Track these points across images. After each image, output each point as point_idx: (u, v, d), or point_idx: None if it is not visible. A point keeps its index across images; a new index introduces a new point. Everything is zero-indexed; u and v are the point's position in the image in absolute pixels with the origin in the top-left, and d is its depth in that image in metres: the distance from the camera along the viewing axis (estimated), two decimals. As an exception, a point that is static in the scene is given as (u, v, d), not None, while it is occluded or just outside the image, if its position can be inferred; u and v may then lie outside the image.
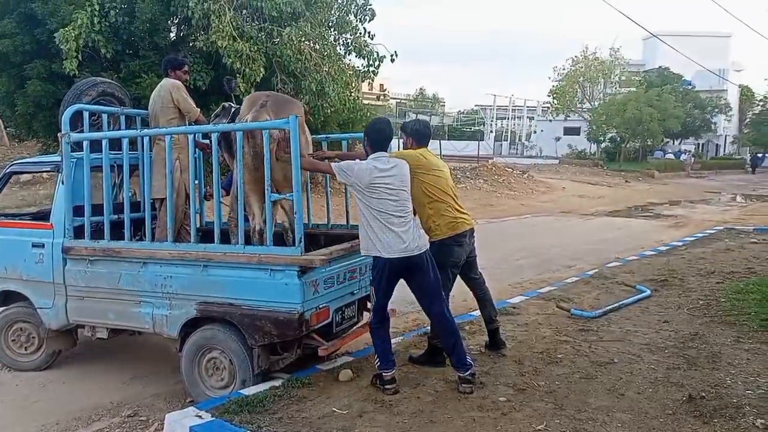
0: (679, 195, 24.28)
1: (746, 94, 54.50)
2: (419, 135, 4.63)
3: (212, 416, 3.82)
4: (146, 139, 4.83)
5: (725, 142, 57.18)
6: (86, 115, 4.98)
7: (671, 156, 42.31)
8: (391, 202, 3.99)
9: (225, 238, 4.56)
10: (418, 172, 4.35)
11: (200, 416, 3.83)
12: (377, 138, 4.17)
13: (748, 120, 55.55)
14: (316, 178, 11.26)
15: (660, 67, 47.59)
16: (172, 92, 4.99)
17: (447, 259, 4.49)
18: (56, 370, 5.21)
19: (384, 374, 4.16)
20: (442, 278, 4.35)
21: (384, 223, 3.97)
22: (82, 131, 4.87)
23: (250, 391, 4.11)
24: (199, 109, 5.08)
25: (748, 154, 49.83)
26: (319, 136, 6.15)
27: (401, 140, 4.77)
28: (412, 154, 4.45)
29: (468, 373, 4.14)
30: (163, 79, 5.22)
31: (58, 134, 4.83)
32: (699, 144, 51.46)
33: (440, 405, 3.95)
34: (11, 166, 5.52)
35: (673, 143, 47.05)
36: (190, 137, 4.45)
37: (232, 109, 4.90)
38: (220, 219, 4.81)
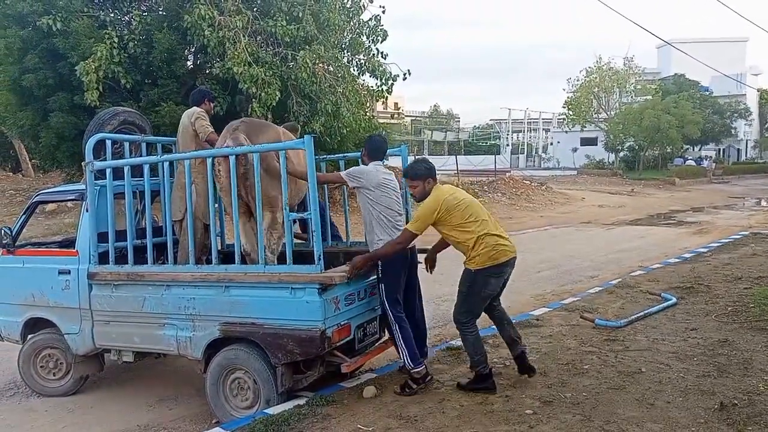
0: (702, 201, 23.90)
1: (765, 98, 53.73)
2: (431, 171, 4.40)
3: (238, 436, 3.84)
4: (167, 165, 4.93)
5: (746, 147, 56.31)
6: (108, 143, 5.09)
7: (692, 162, 41.72)
8: (395, 200, 4.49)
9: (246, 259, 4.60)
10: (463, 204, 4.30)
11: (226, 437, 3.86)
12: (374, 149, 4.68)
13: (768, 123, 54.74)
14: (334, 197, 11.34)
15: (675, 74, 47.22)
16: (191, 117, 5.10)
17: (481, 289, 4.32)
18: (84, 395, 5.27)
19: (415, 372, 4.37)
20: (470, 305, 4.35)
21: (390, 219, 4.42)
22: (104, 159, 4.98)
23: (275, 410, 4.12)
24: (211, 130, 5.05)
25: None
26: (336, 155, 6.21)
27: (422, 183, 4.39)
28: (445, 193, 4.30)
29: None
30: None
31: (82, 163, 4.96)
32: (720, 149, 50.71)
33: (466, 420, 3.92)
34: (37, 195, 5.66)
35: (693, 149, 46.44)
36: (208, 161, 4.52)
37: None
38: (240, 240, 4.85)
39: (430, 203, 4.25)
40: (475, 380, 4.40)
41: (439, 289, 7.71)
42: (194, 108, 5.18)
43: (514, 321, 6.19)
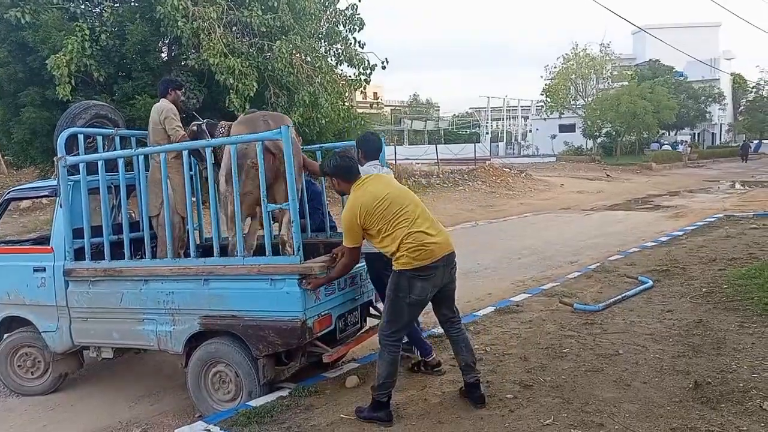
0: (678, 185, 24.29)
1: (739, 82, 54.64)
2: (336, 171, 3.93)
3: (221, 429, 3.84)
4: (141, 159, 4.87)
5: (721, 131, 57.29)
6: (81, 138, 5.01)
7: (668, 147, 42.34)
8: None
9: (225, 252, 4.57)
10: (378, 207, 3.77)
11: (209, 430, 3.86)
12: (369, 149, 4.53)
13: (742, 107, 55.67)
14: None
15: (651, 59, 47.76)
16: (160, 114, 5.04)
17: (407, 294, 3.75)
18: (64, 393, 5.21)
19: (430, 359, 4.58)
20: (394, 313, 3.82)
21: None
22: (77, 154, 4.90)
23: (258, 402, 4.13)
24: (182, 132, 4.97)
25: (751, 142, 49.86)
26: (313, 145, 6.19)
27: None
28: (364, 194, 3.79)
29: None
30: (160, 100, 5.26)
31: (54, 158, 4.87)
32: (695, 134, 51.51)
33: (447, 406, 3.96)
34: (9, 192, 5.56)
35: (669, 134, 47.11)
36: (184, 154, 4.47)
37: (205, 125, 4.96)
38: (219, 233, 4.83)
39: (348, 211, 3.78)
40: (371, 407, 3.81)
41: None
42: (163, 104, 5.10)
43: (495, 307, 6.32)
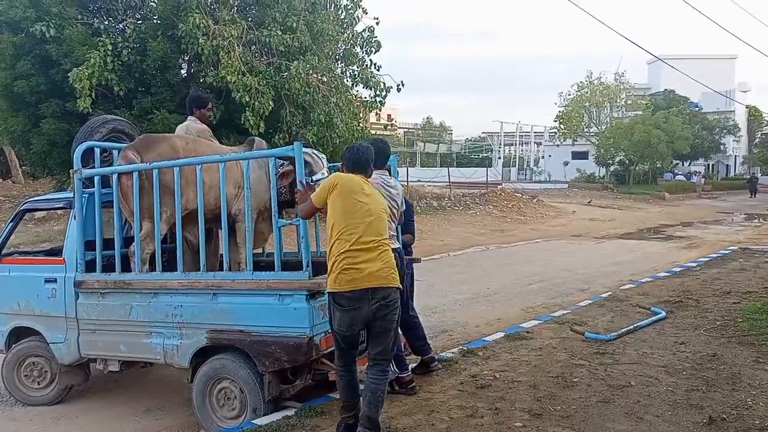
0: (692, 216, 24.07)
1: (754, 114, 54.38)
2: (353, 163, 3.84)
3: (224, 447, 3.80)
4: (157, 173, 4.89)
5: (735, 163, 56.89)
6: (97, 151, 5.06)
7: (681, 177, 42.10)
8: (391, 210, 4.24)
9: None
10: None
11: (212, 448, 3.81)
12: (378, 154, 4.26)
13: (757, 140, 55.33)
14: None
15: (666, 90, 47.76)
16: (198, 135, 5.08)
17: (331, 320, 3.64)
18: (69, 405, 5.19)
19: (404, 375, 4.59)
20: (334, 339, 3.75)
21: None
22: (93, 167, 4.95)
23: (263, 420, 4.08)
24: None
25: (760, 175, 49.36)
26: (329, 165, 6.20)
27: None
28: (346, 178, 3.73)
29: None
30: (186, 118, 5.29)
31: (70, 171, 4.92)
32: (709, 165, 51.24)
33: (456, 431, 3.89)
34: (24, 204, 5.61)
35: (683, 165, 46.88)
36: (198, 168, 4.50)
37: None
38: (228, 247, 4.82)
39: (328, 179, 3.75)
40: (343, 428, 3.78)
41: (429, 300, 7.71)
42: (197, 125, 5.18)
43: (505, 333, 6.27)
